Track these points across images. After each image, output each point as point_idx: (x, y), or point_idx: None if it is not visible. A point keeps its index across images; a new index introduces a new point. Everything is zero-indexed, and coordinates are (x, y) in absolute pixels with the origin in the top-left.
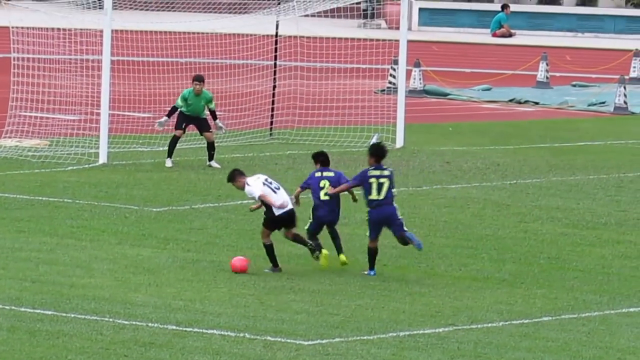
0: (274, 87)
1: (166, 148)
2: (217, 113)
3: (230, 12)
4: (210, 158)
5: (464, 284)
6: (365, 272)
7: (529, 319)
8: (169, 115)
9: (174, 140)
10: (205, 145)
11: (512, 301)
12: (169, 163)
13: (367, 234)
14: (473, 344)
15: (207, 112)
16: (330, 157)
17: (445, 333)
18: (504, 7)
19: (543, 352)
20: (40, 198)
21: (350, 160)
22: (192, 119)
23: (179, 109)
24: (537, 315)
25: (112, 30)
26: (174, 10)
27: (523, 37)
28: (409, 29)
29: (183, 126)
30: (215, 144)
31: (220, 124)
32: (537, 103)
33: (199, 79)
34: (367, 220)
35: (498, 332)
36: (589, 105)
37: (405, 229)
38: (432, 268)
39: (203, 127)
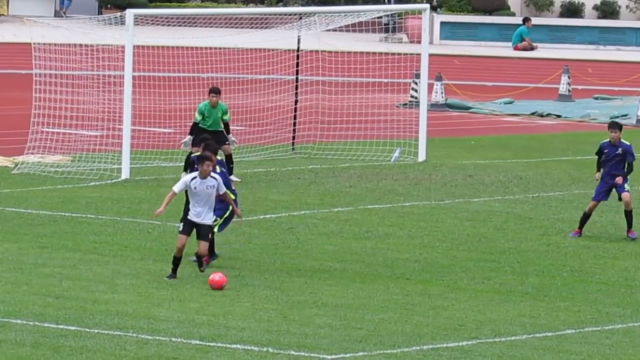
0: (296, 101)
1: None
2: (238, 128)
3: (251, 27)
4: (230, 172)
5: (487, 297)
6: None
7: (552, 332)
8: (192, 132)
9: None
10: (223, 159)
11: (535, 314)
12: None
13: None
14: (497, 357)
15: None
16: (354, 172)
17: (469, 346)
18: (526, 20)
19: None
20: (63, 214)
21: (373, 174)
22: (211, 133)
23: (198, 126)
24: (561, 328)
25: (133, 46)
26: (195, 26)
27: (545, 50)
28: (431, 42)
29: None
30: (238, 159)
31: (232, 138)
32: (559, 116)
33: (215, 92)
34: None
35: (521, 345)
36: (611, 118)
37: None
38: (455, 282)
39: (220, 140)
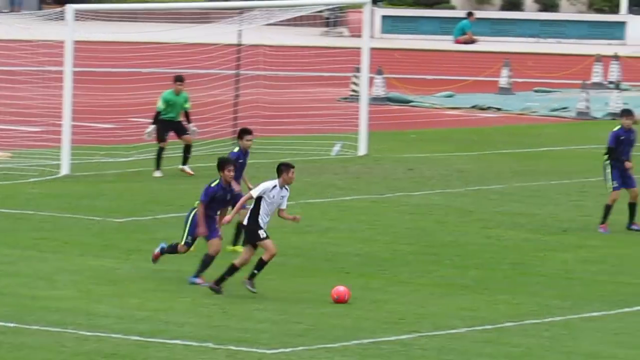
0: (237, 96)
1: (136, 159)
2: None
3: (192, 22)
4: (185, 162)
5: (428, 290)
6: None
7: (492, 325)
8: (154, 122)
9: (160, 152)
10: (183, 148)
11: (475, 307)
12: (158, 174)
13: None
14: (436, 350)
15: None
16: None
17: (409, 340)
18: (469, 14)
19: (506, 358)
20: (2, 210)
21: (313, 168)
22: (172, 124)
23: (159, 117)
24: (500, 320)
25: (73, 41)
26: (136, 21)
27: (485, 44)
28: (372, 36)
29: (165, 136)
30: (178, 154)
31: (193, 128)
32: (499, 109)
33: (180, 79)
34: None
35: (461, 338)
36: (552, 110)
37: None
38: (396, 275)
39: (181, 130)
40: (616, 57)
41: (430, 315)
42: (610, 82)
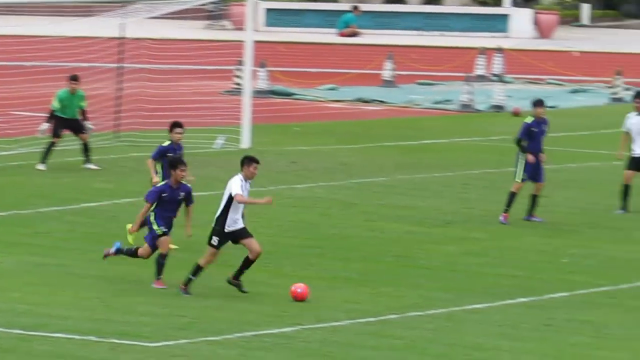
0: (120, 89)
1: (16, 152)
2: (64, 116)
3: (75, 15)
4: (88, 160)
5: (311, 283)
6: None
7: (375, 317)
8: (49, 120)
9: (51, 146)
10: (82, 147)
11: (358, 300)
12: (41, 167)
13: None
14: (319, 343)
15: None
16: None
17: (292, 333)
18: (355, 8)
19: (389, 350)
20: None
21: (197, 162)
22: (69, 122)
23: (55, 114)
24: (384, 313)
25: None
26: (18, 14)
27: (369, 37)
28: (255, 29)
29: (60, 133)
30: (61, 147)
31: (90, 126)
32: (383, 102)
33: (75, 79)
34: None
35: (344, 331)
36: (435, 103)
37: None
38: (279, 268)
39: (78, 128)
40: (499, 50)
41: (313, 308)
42: (494, 75)
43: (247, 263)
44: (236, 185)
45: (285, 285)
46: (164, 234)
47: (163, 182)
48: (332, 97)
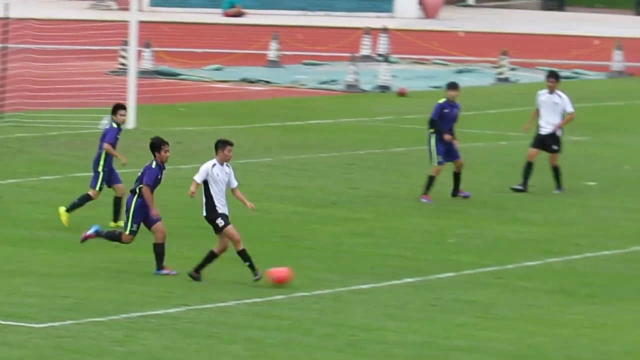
0: (4, 69)
1: None
2: None
3: None
4: None
5: (195, 263)
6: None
7: (262, 298)
8: None
9: None
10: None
11: (244, 280)
12: None
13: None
14: (205, 323)
15: None
16: (63, 140)
17: (178, 313)
18: None
19: (275, 331)
20: None
21: (82, 142)
22: None
23: None
24: (269, 294)
25: None
26: None
27: (255, 17)
28: (140, 9)
29: None
30: None
31: None
32: (268, 82)
33: None
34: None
35: (231, 311)
36: (320, 83)
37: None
38: (166, 249)
39: None
40: (385, 30)
41: (199, 288)
42: (379, 55)
43: (212, 256)
44: (199, 171)
45: (171, 266)
46: (134, 232)
47: (154, 166)
48: (217, 78)
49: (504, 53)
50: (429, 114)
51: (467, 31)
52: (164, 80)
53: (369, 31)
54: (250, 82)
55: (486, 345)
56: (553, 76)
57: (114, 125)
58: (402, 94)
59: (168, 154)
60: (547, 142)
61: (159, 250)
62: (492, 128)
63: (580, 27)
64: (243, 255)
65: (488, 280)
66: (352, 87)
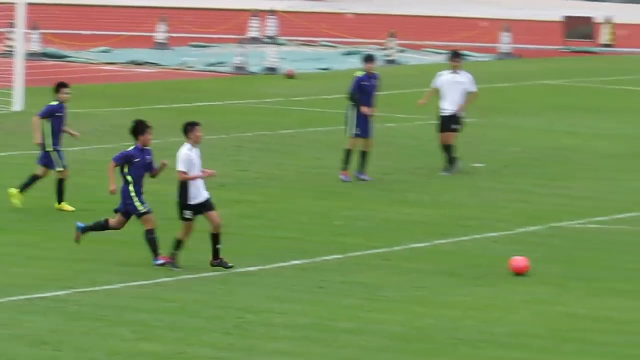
0: None
1: None
2: None
3: None
4: None
5: (84, 246)
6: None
7: (149, 280)
8: None
9: None
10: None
11: (132, 262)
12: None
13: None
14: (92, 306)
15: None
16: None
17: (65, 296)
18: None
19: (162, 313)
20: None
21: None
22: None
23: None
24: (157, 276)
25: None
26: None
27: None
28: None
29: None
30: None
31: None
32: (156, 64)
33: None
34: None
35: (118, 294)
36: (208, 65)
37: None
38: (53, 231)
39: None
40: (273, 12)
41: (86, 271)
42: (267, 37)
43: (214, 238)
44: (181, 160)
45: (58, 248)
46: (148, 212)
47: (132, 147)
48: (104, 60)
49: (392, 35)
50: (316, 96)
51: (355, 13)
52: (51, 62)
53: (256, 13)
54: (138, 64)
55: (373, 327)
56: (457, 56)
57: (55, 102)
58: (290, 76)
59: (151, 136)
60: (450, 121)
61: (151, 239)
62: (380, 109)
63: (468, 9)
64: (177, 245)
65: (375, 262)
66: (240, 69)
